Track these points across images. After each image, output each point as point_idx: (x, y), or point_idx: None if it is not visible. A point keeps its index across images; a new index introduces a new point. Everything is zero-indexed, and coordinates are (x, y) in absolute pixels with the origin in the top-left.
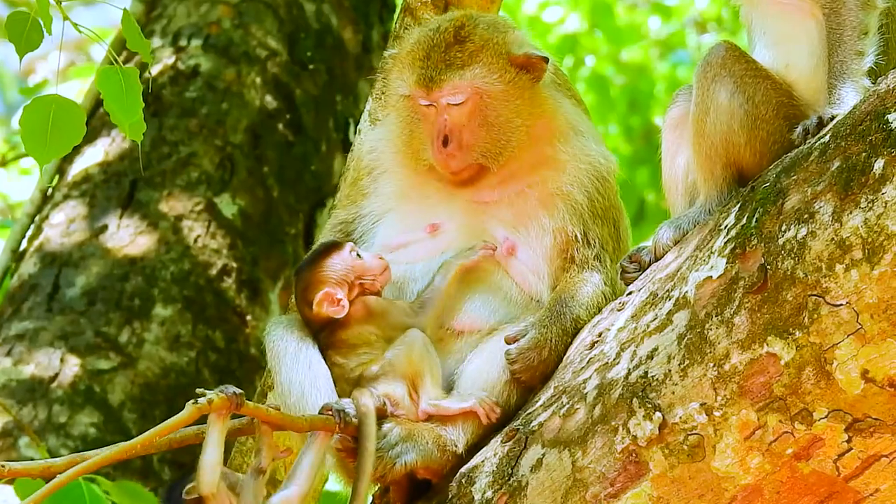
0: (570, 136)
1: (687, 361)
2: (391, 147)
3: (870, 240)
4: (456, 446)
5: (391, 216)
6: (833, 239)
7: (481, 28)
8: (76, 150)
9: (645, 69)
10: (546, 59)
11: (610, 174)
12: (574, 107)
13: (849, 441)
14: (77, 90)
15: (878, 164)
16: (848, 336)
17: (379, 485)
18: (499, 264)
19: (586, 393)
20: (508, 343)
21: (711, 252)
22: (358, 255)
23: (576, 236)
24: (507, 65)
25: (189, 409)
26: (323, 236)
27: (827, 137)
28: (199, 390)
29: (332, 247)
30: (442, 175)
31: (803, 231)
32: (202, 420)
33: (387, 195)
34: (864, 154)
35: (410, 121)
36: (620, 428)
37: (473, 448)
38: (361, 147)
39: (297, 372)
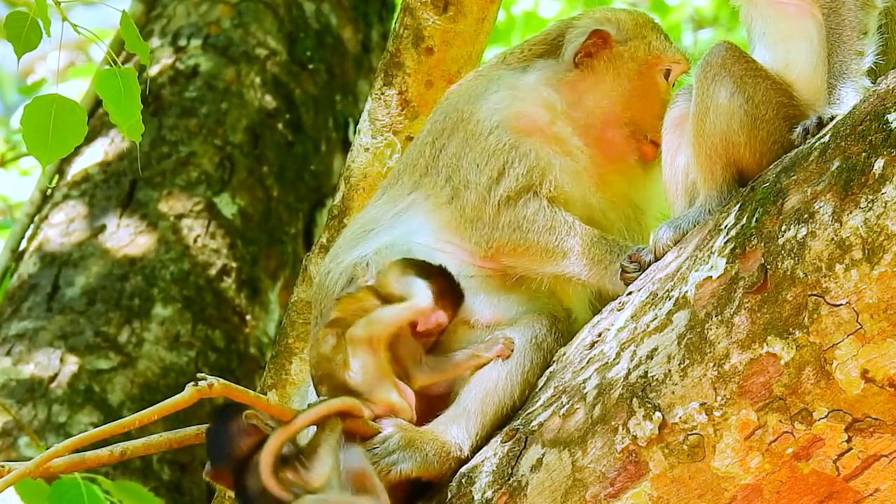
0: None
1: (687, 361)
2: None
3: (870, 240)
4: (461, 450)
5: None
6: (833, 239)
7: None
8: (76, 150)
9: None
10: None
11: None
12: None
13: (848, 441)
14: (76, 90)
15: (878, 164)
16: (848, 336)
17: None
18: None
19: (586, 393)
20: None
21: (711, 252)
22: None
23: None
24: None
25: (189, 391)
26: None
27: (827, 137)
28: (199, 374)
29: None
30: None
31: (803, 231)
32: (201, 413)
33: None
34: (864, 154)
35: (635, 89)
36: (620, 428)
37: (474, 447)
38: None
39: None
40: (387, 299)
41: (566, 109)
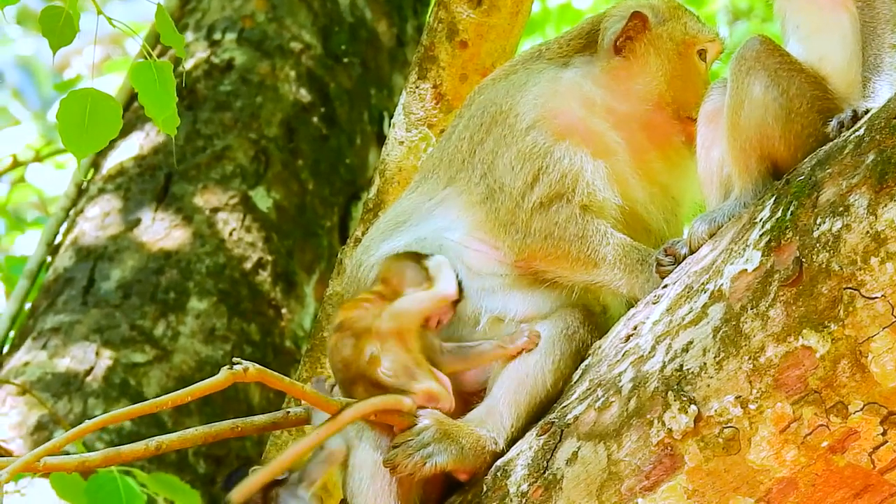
0: None
1: (722, 354)
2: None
3: None
4: (496, 443)
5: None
6: (868, 232)
7: None
8: (111, 144)
9: None
10: None
11: None
12: None
13: (884, 434)
14: (112, 84)
15: None
16: (883, 329)
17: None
18: None
19: (621, 386)
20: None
21: (746, 245)
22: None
23: None
24: None
25: (224, 374)
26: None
27: (861, 131)
28: (235, 359)
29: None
30: (682, 129)
31: (838, 224)
32: (237, 407)
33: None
34: None
35: (676, 69)
36: (655, 421)
37: (510, 440)
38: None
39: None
40: (390, 297)
41: (608, 103)
